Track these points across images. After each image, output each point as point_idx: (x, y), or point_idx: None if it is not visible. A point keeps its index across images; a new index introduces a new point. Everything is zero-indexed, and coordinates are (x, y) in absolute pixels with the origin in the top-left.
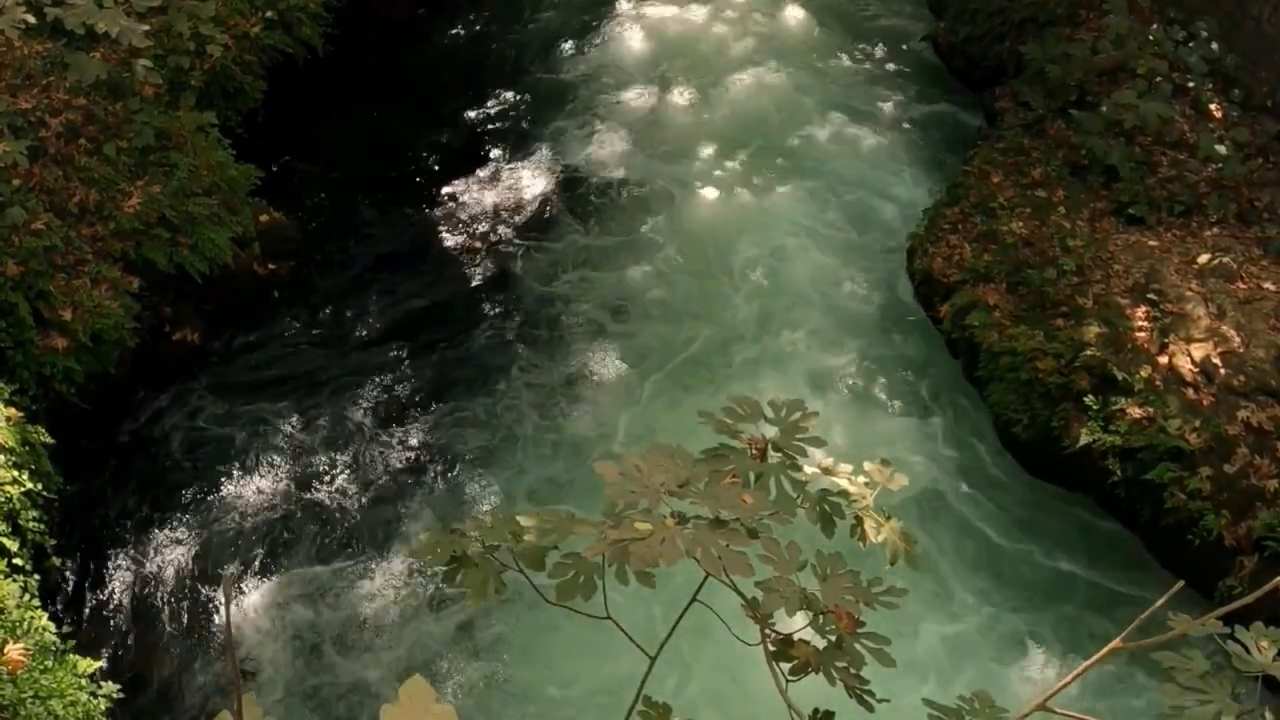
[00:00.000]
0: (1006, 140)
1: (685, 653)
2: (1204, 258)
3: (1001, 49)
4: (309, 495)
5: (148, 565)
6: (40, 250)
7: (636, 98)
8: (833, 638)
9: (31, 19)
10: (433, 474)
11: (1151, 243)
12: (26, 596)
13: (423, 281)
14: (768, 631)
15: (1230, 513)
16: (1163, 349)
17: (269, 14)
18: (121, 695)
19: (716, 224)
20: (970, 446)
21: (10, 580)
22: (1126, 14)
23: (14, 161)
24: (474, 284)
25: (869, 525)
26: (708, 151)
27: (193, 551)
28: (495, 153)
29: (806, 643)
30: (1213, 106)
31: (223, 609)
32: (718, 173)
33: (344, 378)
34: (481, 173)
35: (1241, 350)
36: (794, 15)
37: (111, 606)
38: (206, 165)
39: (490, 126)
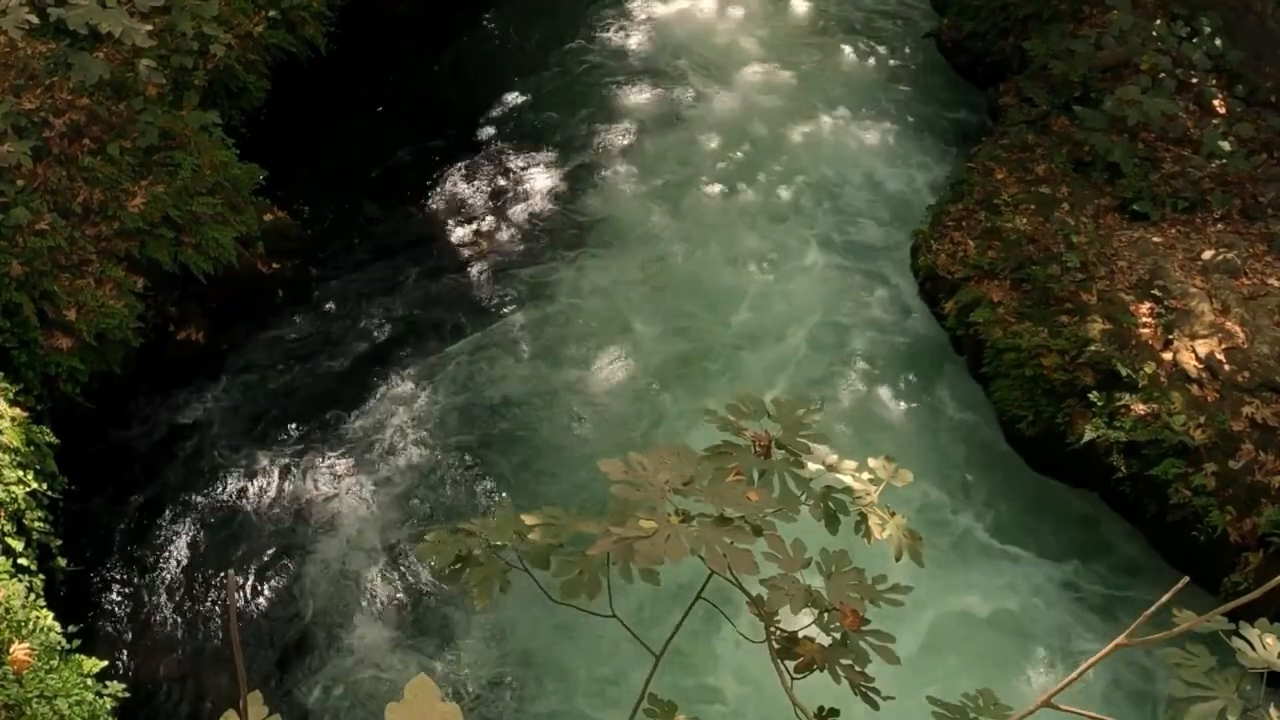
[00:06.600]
0: (1010, 136)
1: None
2: (1208, 253)
3: (1005, 45)
4: (315, 494)
5: (153, 565)
6: (44, 250)
7: (641, 95)
8: (837, 635)
9: (35, 19)
10: (437, 472)
11: (1156, 239)
12: (32, 596)
13: (427, 279)
14: (773, 629)
15: (1235, 508)
16: (1167, 345)
17: (272, 13)
18: (127, 695)
19: (719, 219)
20: (975, 443)
21: (16, 580)
22: (1130, 9)
23: (18, 162)
24: (478, 281)
25: (873, 522)
26: (711, 147)
27: (198, 551)
28: (499, 150)
29: (811, 640)
30: (1216, 102)
31: (228, 609)
32: (721, 168)
33: (348, 376)
34: (486, 171)
35: (1246, 346)
36: (797, 13)
37: (117, 606)
38: (210, 164)
39: (494, 124)
